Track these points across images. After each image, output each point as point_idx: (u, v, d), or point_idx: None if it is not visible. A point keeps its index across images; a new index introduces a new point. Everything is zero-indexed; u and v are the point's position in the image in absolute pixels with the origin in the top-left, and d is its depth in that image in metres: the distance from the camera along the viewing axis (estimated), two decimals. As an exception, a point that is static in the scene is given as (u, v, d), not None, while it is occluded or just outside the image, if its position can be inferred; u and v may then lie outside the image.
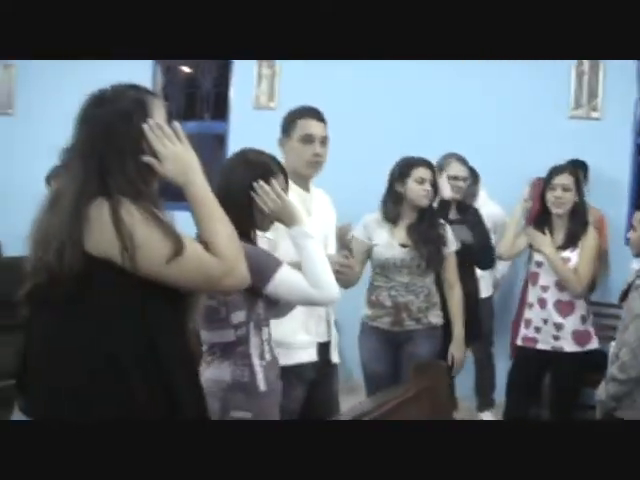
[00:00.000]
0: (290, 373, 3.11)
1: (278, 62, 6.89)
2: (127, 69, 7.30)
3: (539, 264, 4.33)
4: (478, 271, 4.74)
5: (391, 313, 4.11)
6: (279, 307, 2.79)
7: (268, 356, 2.72)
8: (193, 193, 2.08)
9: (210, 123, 7.56)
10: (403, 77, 6.31)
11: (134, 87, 2.15)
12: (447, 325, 4.23)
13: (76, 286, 1.94)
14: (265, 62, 6.93)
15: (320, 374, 3.39)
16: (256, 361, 2.67)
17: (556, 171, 4.33)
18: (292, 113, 3.43)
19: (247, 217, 2.69)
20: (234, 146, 6.78)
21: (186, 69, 7.71)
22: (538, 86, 5.95)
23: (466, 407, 5.61)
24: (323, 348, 3.41)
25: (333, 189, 3.65)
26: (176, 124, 2.14)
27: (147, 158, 2.05)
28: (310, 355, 3.31)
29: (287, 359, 3.11)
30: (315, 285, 2.68)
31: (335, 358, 3.51)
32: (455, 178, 4.51)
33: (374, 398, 3.13)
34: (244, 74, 7.08)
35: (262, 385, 2.66)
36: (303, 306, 3.06)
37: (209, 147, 7.57)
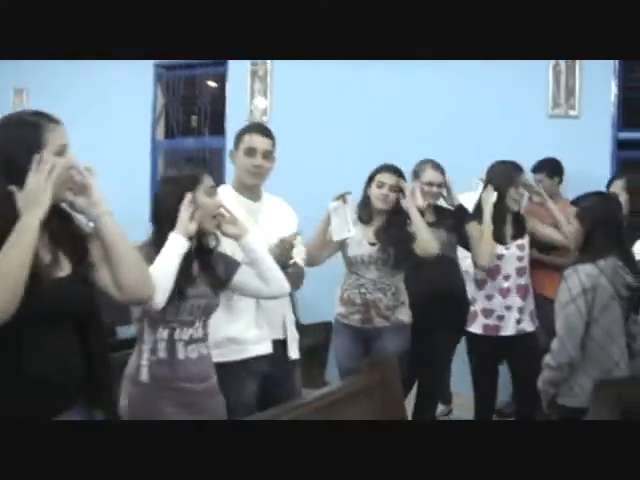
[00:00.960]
0: (241, 368, 3.39)
1: (270, 77, 7.12)
2: (128, 89, 7.70)
3: (499, 257, 4.44)
4: None
5: (361, 311, 4.27)
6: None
7: (162, 353, 2.87)
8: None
9: (209, 139, 7.79)
10: (387, 79, 6.52)
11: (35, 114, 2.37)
12: (415, 323, 4.37)
13: None
14: (257, 78, 7.15)
15: (277, 370, 3.57)
16: (145, 353, 2.87)
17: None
18: (241, 129, 3.66)
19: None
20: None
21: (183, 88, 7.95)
22: (517, 86, 6.10)
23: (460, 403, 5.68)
24: (280, 344, 3.60)
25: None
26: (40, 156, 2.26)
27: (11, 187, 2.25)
28: (263, 349, 3.50)
29: (240, 354, 3.41)
30: (265, 282, 3.05)
31: (293, 355, 3.67)
32: (430, 184, 4.63)
33: (322, 391, 3.23)
34: (238, 90, 7.31)
35: (144, 375, 2.85)
36: (253, 303, 3.42)
37: (208, 161, 7.78)
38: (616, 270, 3.34)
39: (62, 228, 2.41)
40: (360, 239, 4.27)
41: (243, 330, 3.44)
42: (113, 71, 7.56)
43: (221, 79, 7.59)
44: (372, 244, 4.27)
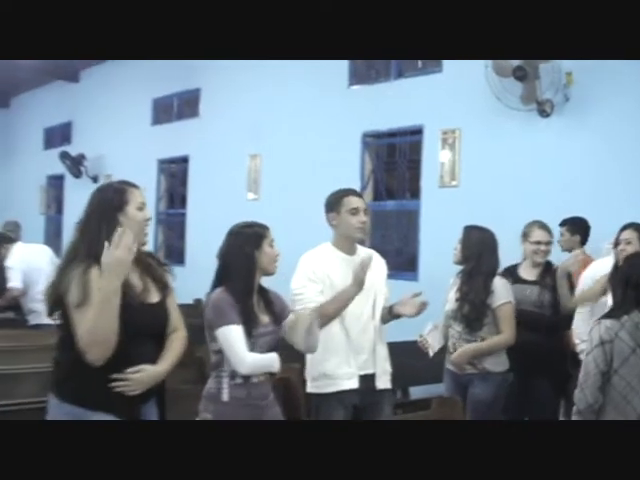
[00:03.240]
0: (334, 399, 4.10)
1: (457, 145, 7.68)
2: (338, 155, 8.60)
3: None
4: None
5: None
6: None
7: (239, 379, 3.51)
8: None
9: (406, 202, 8.46)
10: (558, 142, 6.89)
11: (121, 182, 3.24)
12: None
13: None
14: (447, 145, 7.75)
15: (366, 401, 4.19)
16: (225, 379, 3.52)
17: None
18: (336, 193, 4.29)
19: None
20: (425, 220, 7.74)
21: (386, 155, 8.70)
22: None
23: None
24: (370, 378, 4.21)
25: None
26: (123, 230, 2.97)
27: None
28: (351, 384, 4.12)
29: (332, 387, 4.11)
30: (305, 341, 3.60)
31: (381, 385, 4.26)
32: (538, 243, 5.04)
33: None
34: (431, 157, 7.95)
35: (225, 396, 3.51)
36: (346, 343, 4.11)
37: (405, 222, 8.47)
38: (638, 325, 3.58)
39: (149, 264, 3.27)
40: (453, 295, 4.77)
41: (335, 367, 4.11)
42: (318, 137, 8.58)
43: (417, 147, 8.25)
44: (457, 300, 4.75)
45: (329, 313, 3.99)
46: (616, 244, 4.73)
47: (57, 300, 3.06)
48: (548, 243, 5.16)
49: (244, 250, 3.56)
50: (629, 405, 3.58)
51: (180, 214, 11.78)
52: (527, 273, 5.20)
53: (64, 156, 13.45)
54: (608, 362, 3.58)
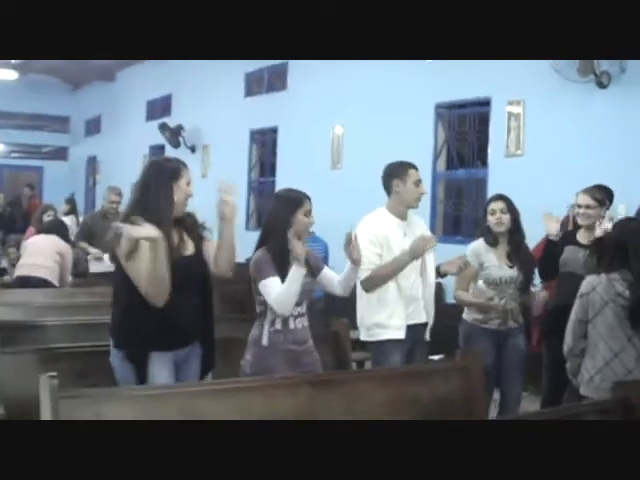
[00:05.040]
0: (389, 344, 4.71)
1: (522, 116, 8.09)
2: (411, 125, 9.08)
3: None
4: None
5: (500, 317, 5.16)
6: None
7: (278, 325, 4.08)
8: None
9: (475, 170, 8.94)
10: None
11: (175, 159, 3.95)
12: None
13: None
14: (513, 116, 8.16)
15: (414, 346, 4.83)
16: (266, 325, 4.10)
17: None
18: (402, 164, 4.92)
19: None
20: (492, 188, 8.17)
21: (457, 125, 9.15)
22: None
23: None
24: (419, 327, 4.85)
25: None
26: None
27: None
28: (399, 334, 4.71)
29: (384, 336, 4.73)
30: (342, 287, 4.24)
31: (427, 337, 4.92)
32: (579, 206, 5.32)
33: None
34: (498, 128, 8.38)
35: (265, 340, 4.09)
36: (398, 296, 4.69)
37: (474, 189, 8.94)
38: (611, 281, 4.03)
39: (186, 222, 3.89)
40: (499, 263, 5.17)
41: (387, 318, 4.70)
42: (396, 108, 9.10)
43: (485, 117, 8.68)
44: (510, 267, 5.17)
45: (385, 274, 4.63)
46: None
47: (114, 256, 3.71)
48: (588, 207, 5.29)
49: (280, 215, 4.12)
50: (597, 351, 4.09)
51: (270, 182, 12.41)
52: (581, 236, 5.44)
53: (163, 127, 14.27)
54: (585, 312, 4.10)
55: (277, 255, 4.06)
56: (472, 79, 8.62)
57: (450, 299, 6.88)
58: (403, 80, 9.54)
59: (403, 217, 4.85)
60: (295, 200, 4.15)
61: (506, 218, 5.11)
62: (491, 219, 5.14)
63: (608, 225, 5.09)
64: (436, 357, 5.38)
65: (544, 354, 5.40)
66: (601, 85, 7.22)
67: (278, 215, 4.15)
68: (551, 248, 5.20)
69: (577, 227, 5.48)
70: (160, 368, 3.75)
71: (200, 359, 3.97)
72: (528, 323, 5.35)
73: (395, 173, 4.84)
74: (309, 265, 4.14)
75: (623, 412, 3.60)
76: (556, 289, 5.38)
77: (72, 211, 12.48)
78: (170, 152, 14.61)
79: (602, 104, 7.32)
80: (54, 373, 3.06)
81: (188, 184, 3.83)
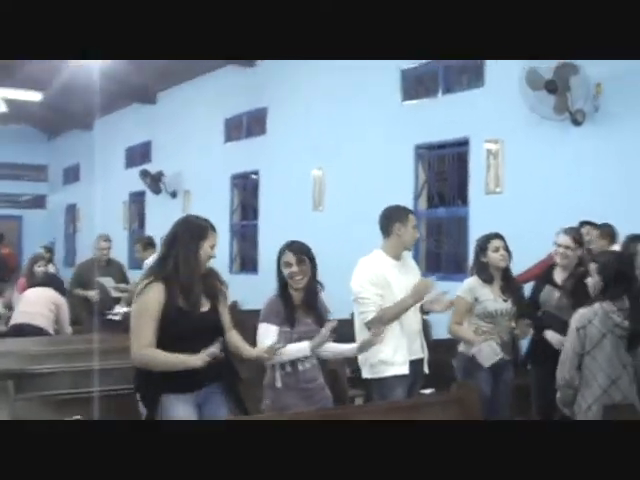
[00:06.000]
0: (394, 380, 4.88)
1: (500, 155, 8.33)
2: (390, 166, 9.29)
3: None
4: None
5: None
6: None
7: (288, 368, 4.34)
8: None
9: (456, 208, 9.17)
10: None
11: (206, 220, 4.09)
12: None
13: None
14: (491, 154, 8.39)
15: (415, 381, 5.02)
16: (278, 370, 4.34)
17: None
18: (402, 209, 5.15)
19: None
20: (473, 226, 8.35)
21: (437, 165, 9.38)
22: None
23: None
24: (419, 362, 5.02)
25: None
26: None
27: None
28: (404, 370, 4.89)
29: (389, 372, 4.88)
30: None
31: (425, 370, 5.10)
32: (559, 246, 5.51)
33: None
34: (477, 167, 8.61)
35: (278, 383, 4.33)
36: (400, 331, 4.89)
37: (455, 227, 9.17)
38: (608, 313, 4.20)
39: (204, 280, 4.05)
40: (494, 297, 5.34)
41: (392, 354, 4.87)
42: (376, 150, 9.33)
43: (464, 157, 8.92)
44: (504, 300, 5.34)
45: (391, 316, 4.83)
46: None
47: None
48: (567, 247, 5.50)
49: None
50: (595, 381, 4.24)
51: (252, 225, 12.61)
52: (557, 275, 5.62)
53: (144, 174, 14.45)
54: (582, 345, 4.25)
55: (283, 303, 4.41)
56: (450, 120, 8.89)
57: (436, 335, 7.04)
58: (384, 122, 9.81)
59: (398, 258, 5.05)
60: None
61: (506, 255, 5.34)
62: (495, 256, 5.33)
63: None
64: (427, 391, 5.47)
65: (533, 385, 5.57)
66: (576, 122, 7.47)
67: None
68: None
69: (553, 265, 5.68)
70: (169, 410, 3.88)
71: (223, 397, 4.09)
72: (517, 355, 5.50)
73: (396, 217, 5.05)
74: (318, 315, 4.47)
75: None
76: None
77: (50, 259, 12.54)
78: (151, 198, 14.76)
79: (577, 141, 7.58)
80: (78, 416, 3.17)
81: (212, 247, 4.01)
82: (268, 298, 4.42)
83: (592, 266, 4.48)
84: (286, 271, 4.36)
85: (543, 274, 5.70)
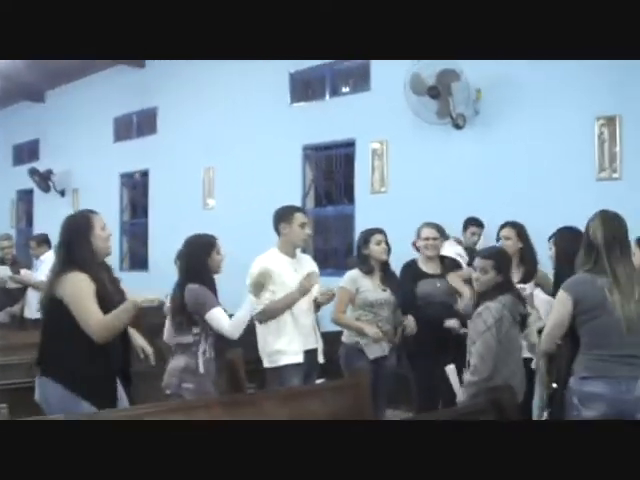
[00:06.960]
0: (290, 368, 5.12)
1: (385, 156, 8.68)
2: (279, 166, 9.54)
3: None
4: None
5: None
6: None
7: (208, 354, 4.66)
8: None
9: (343, 207, 9.52)
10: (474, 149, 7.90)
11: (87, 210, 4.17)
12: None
13: None
14: (377, 156, 8.73)
15: (311, 371, 5.27)
16: (200, 355, 4.63)
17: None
18: (288, 208, 5.37)
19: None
20: (359, 223, 8.65)
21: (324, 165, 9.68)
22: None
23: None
24: (313, 352, 5.27)
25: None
26: None
27: None
28: (299, 358, 5.15)
29: (284, 361, 5.13)
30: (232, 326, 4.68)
31: (320, 360, 5.34)
32: (426, 239, 5.86)
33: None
34: (363, 167, 8.94)
35: (201, 369, 4.61)
36: (293, 322, 5.15)
37: (342, 226, 9.48)
38: (514, 304, 4.51)
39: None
40: (374, 287, 5.64)
41: (286, 344, 5.13)
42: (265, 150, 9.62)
43: (350, 157, 9.25)
44: (384, 290, 5.64)
45: (277, 309, 5.09)
46: (497, 239, 5.68)
47: (52, 300, 3.91)
48: (435, 239, 5.87)
49: (200, 256, 4.75)
50: (505, 366, 4.41)
51: (142, 223, 12.68)
52: (427, 267, 5.91)
53: (33, 172, 14.23)
54: (499, 338, 4.40)
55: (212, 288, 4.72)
56: (337, 122, 9.20)
57: (323, 328, 7.30)
58: (273, 123, 10.06)
59: (292, 255, 5.29)
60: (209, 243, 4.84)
61: (387, 248, 5.66)
62: (377, 249, 5.62)
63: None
64: (318, 381, 5.71)
65: (414, 375, 5.84)
66: (457, 126, 7.87)
67: (197, 256, 4.79)
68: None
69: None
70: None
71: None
72: (399, 344, 5.78)
73: (281, 217, 5.28)
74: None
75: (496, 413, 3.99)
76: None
77: None
78: (40, 196, 14.58)
79: (458, 143, 7.99)
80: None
81: (103, 228, 4.09)
82: (194, 290, 4.64)
83: (484, 262, 4.61)
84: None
85: (409, 270, 5.92)
